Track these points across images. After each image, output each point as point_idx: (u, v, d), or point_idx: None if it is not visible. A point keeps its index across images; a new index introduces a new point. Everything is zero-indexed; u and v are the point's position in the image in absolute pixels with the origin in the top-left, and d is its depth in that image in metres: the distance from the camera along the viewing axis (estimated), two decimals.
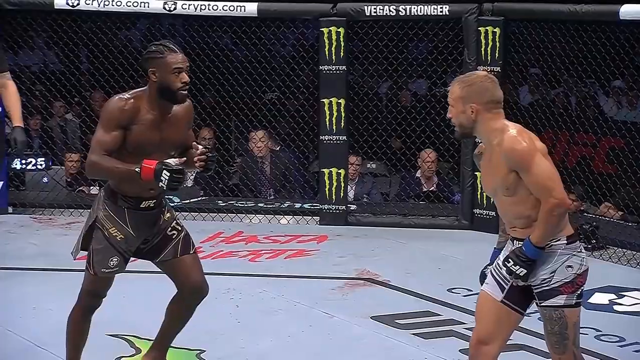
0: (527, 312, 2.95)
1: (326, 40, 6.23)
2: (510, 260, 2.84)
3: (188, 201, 6.72)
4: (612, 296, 4.83)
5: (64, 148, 7.34)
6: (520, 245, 2.85)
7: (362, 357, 3.83)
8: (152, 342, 3.58)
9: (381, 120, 7.16)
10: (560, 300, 2.85)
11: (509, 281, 2.88)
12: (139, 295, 4.60)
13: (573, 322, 2.88)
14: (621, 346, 4.10)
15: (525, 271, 2.81)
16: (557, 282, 2.85)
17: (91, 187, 7.05)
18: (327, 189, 6.29)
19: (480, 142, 3.04)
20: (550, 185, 2.78)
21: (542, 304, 2.88)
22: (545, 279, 2.85)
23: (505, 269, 2.86)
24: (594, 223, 5.80)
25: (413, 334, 3.90)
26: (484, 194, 6.15)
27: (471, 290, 4.81)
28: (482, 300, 2.94)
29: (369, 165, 7.85)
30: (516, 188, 2.82)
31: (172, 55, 3.13)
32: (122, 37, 7.79)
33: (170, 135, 3.20)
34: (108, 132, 3.11)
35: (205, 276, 4.96)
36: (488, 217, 6.15)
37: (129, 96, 3.17)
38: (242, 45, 7.91)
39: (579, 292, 2.89)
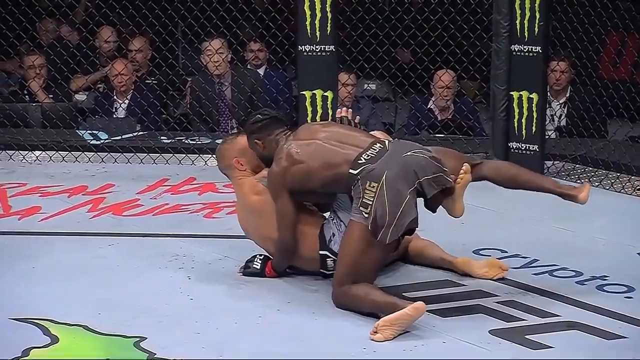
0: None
1: None
2: None
3: (120, 138, 6.70)
4: None
5: None
6: None
7: (346, 343, 3.87)
8: (73, 327, 3.52)
9: (382, 24, 7.09)
10: None
11: None
12: (54, 269, 4.60)
13: None
14: None
15: None
16: None
17: None
18: (309, 118, 6.28)
19: None
20: None
21: None
22: None
23: None
24: None
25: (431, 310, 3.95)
26: (522, 122, 6.17)
27: (506, 252, 4.84)
28: None
29: (366, 86, 7.82)
30: None
31: None
32: None
33: None
34: None
35: (145, 238, 5.02)
36: (528, 152, 6.16)
37: None
38: None
39: None
